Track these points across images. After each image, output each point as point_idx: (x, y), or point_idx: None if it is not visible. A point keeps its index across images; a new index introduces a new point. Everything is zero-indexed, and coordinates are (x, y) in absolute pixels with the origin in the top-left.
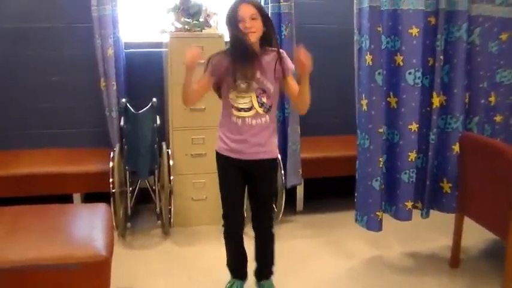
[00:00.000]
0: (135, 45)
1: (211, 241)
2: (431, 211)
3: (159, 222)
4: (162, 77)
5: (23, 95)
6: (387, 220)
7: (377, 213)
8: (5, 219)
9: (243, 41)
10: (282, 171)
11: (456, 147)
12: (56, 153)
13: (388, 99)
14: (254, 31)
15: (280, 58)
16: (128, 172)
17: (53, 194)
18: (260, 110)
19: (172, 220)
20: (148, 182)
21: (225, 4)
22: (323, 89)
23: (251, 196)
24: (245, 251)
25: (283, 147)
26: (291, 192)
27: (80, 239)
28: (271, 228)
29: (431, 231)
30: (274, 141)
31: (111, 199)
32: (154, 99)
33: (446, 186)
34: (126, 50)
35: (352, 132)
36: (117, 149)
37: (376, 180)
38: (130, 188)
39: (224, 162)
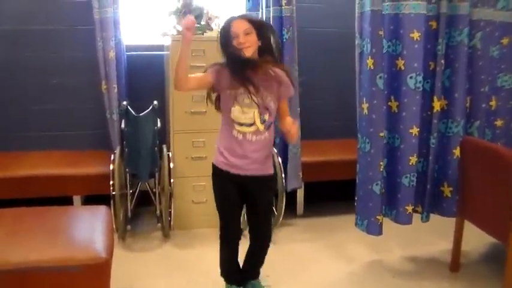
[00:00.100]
0: (137, 47)
1: (212, 244)
2: (431, 215)
3: (159, 224)
4: (163, 79)
5: (24, 96)
6: (387, 224)
7: (377, 217)
8: (6, 221)
9: (240, 56)
10: (283, 175)
11: (457, 152)
12: (57, 155)
13: (389, 103)
14: (249, 46)
15: (280, 82)
16: (128, 174)
17: (53, 196)
18: (261, 127)
19: (172, 223)
20: (148, 184)
21: (227, 7)
22: (324, 93)
23: (249, 210)
24: (238, 263)
25: (283, 151)
26: (292, 196)
27: (80, 241)
28: (269, 241)
29: (432, 235)
30: (271, 158)
31: (112, 201)
32: (155, 102)
33: (447, 190)
34: (127, 53)
35: (352, 136)
36: (117, 151)
37: (377, 184)
38: (131, 191)
39: (222, 177)
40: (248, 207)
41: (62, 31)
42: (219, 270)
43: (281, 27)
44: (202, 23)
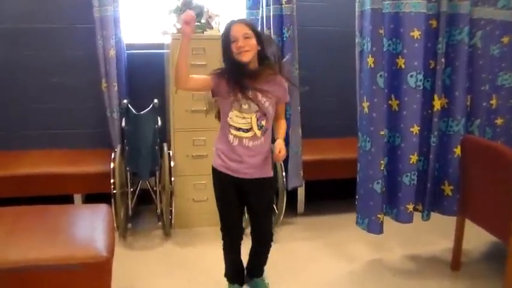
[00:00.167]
0: (137, 46)
1: (212, 242)
2: (432, 214)
3: (160, 223)
4: (163, 78)
5: (24, 95)
6: (388, 223)
7: (378, 215)
8: (6, 220)
9: (238, 64)
10: (283, 173)
11: (457, 150)
12: (57, 154)
13: (390, 101)
14: (248, 49)
15: (279, 88)
16: (129, 173)
17: (54, 194)
18: (258, 133)
19: (173, 221)
20: (149, 183)
21: (227, 5)
22: (324, 91)
23: (250, 211)
24: (242, 262)
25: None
26: (292, 194)
27: (80, 239)
28: (271, 240)
29: (432, 234)
30: (270, 161)
31: (112, 200)
32: (155, 101)
33: (448, 189)
34: (127, 51)
35: (353, 134)
36: (118, 150)
37: (377, 183)
38: (131, 189)
39: (221, 178)
40: (249, 208)
41: (62, 30)
42: (223, 270)
43: (281, 25)
44: (203, 21)
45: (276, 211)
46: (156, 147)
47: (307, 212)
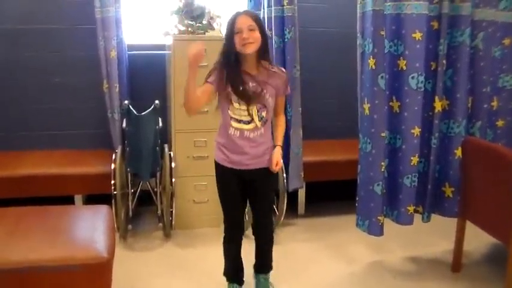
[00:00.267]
0: (138, 47)
1: (213, 243)
2: (433, 215)
3: (161, 224)
4: (164, 79)
5: (25, 96)
6: (388, 224)
7: (378, 217)
8: (7, 220)
9: (237, 53)
10: (284, 175)
11: (458, 152)
12: (58, 155)
13: (391, 103)
14: (252, 42)
15: (279, 79)
16: (129, 174)
17: (55, 195)
18: (259, 124)
19: (173, 222)
20: (150, 184)
21: (228, 7)
22: (325, 93)
23: (252, 204)
24: (242, 261)
25: (285, 151)
26: (293, 196)
27: (81, 240)
28: (272, 233)
29: (433, 236)
30: (271, 151)
31: (113, 201)
32: (156, 102)
33: (449, 191)
34: (129, 52)
35: (354, 136)
36: (119, 150)
37: (378, 185)
38: (132, 190)
39: (224, 172)
40: (251, 200)
41: (63, 30)
42: (222, 269)
43: (283, 27)
44: (204, 22)
45: (277, 212)
46: (157, 148)
47: (308, 214)
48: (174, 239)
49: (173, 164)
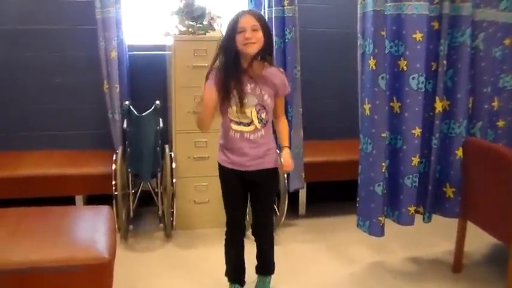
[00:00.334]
0: (139, 47)
1: (214, 244)
2: (433, 216)
3: (162, 225)
4: (165, 79)
5: (25, 96)
6: (389, 225)
7: (379, 218)
8: (8, 221)
9: (236, 52)
10: (285, 175)
11: (459, 152)
12: (59, 155)
13: (391, 103)
14: (254, 42)
15: (277, 79)
16: (130, 174)
17: (55, 196)
18: (259, 126)
19: (174, 223)
20: (150, 184)
21: (229, 7)
22: (326, 93)
23: (253, 204)
24: (244, 261)
25: None
26: (294, 196)
27: (82, 241)
28: (272, 234)
29: (434, 236)
30: (273, 152)
31: (114, 201)
32: (157, 102)
33: (450, 191)
34: (129, 53)
35: (354, 136)
36: (119, 151)
37: (379, 185)
38: (133, 191)
39: (227, 174)
40: (252, 201)
41: (64, 31)
42: (223, 270)
43: (283, 27)
44: (205, 23)
45: (278, 213)
46: (158, 148)
47: (309, 214)
48: (175, 239)
49: (174, 165)
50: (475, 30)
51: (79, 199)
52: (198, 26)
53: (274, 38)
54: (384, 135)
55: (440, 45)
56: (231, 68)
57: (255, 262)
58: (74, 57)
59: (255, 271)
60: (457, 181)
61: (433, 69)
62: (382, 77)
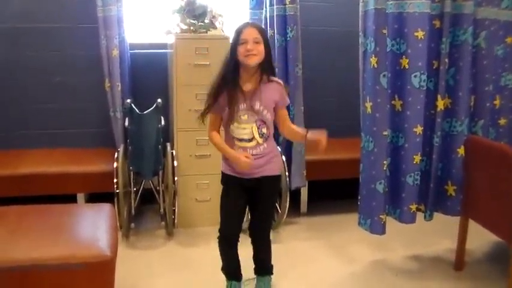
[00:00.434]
0: (140, 46)
1: (215, 242)
2: (435, 214)
3: (163, 223)
4: (166, 78)
5: (26, 95)
6: (390, 223)
7: (380, 216)
8: (10, 219)
9: (237, 65)
10: (287, 173)
11: (461, 150)
12: (61, 154)
13: (393, 102)
14: (255, 54)
15: (276, 93)
16: (132, 172)
17: (57, 194)
18: (260, 141)
19: (176, 221)
20: (152, 182)
21: (231, 6)
22: (327, 91)
23: (252, 209)
24: (238, 256)
25: (288, 149)
26: (295, 194)
27: (84, 239)
28: (269, 238)
29: (435, 235)
30: (277, 160)
31: (115, 199)
32: (159, 100)
33: (451, 189)
34: (131, 51)
35: (355, 134)
36: (121, 149)
37: (380, 183)
38: (135, 189)
39: (228, 181)
40: (251, 206)
41: (65, 29)
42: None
43: (285, 25)
44: (206, 21)
45: (279, 211)
46: (159, 146)
47: (310, 212)
48: (176, 237)
49: (175, 163)
50: (476, 28)
51: (81, 197)
52: (199, 25)
53: (276, 37)
54: (385, 133)
55: (442, 43)
56: (230, 82)
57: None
58: (75, 55)
59: (254, 272)
60: (458, 179)
61: (434, 67)
62: (384, 75)
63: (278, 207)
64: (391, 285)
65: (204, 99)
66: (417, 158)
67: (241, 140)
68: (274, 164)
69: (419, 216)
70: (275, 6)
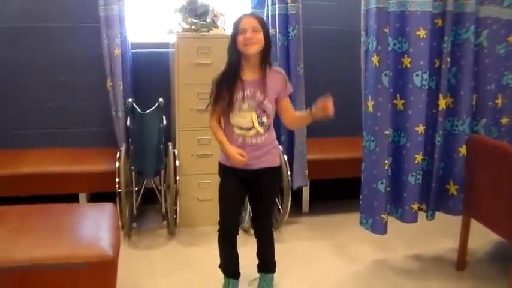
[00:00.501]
0: (142, 45)
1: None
2: (436, 213)
3: (165, 222)
4: (168, 77)
5: (27, 94)
6: (392, 223)
7: (382, 215)
8: (12, 219)
9: (239, 55)
10: (288, 172)
11: (463, 150)
12: (63, 153)
13: (395, 101)
14: (254, 42)
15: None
16: (133, 172)
17: (59, 193)
18: (260, 130)
19: (177, 220)
20: (154, 182)
21: (232, 5)
22: (329, 90)
23: (253, 202)
24: (237, 254)
25: (289, 149)
26: (297, 194)
27: (86, 238)
28: (271, 234)
29: (437, 234)
30: (275, 151)
31: (117, 199)
32: (160, 100)
33: (453, 189)
34: (132, 50)
35: (356, 134)
36: (123, 149)
37: (382, 183)
38: (136, 188)
39: (226, 172)
40: (252, 199)
41: (67, 29)
42: (218, 262)
43: (286, 24)
44: (208, 20)
45: (281, 210)
46: (161, 146)
47: (312, 212)
48: (178, 237)
49: (177, 162)
50: (478, 27)
51: (82, 197)
52: (201, 24)
53: (278, 36)
54: (387, 132)
55: (444, 42)
56: (232, 71)
57: (257, 260)
58: (77, 55)
59: (256, 269)
60: (460, 178)
61: (436, 66)
62: (386, 74)
63: (280, 207)
64: (393, 284)
65: (206, 98)
66: (419, 157)
67: (241, 128)
68: (272, 156)
69: (421, 215)
70: (277, 5)
